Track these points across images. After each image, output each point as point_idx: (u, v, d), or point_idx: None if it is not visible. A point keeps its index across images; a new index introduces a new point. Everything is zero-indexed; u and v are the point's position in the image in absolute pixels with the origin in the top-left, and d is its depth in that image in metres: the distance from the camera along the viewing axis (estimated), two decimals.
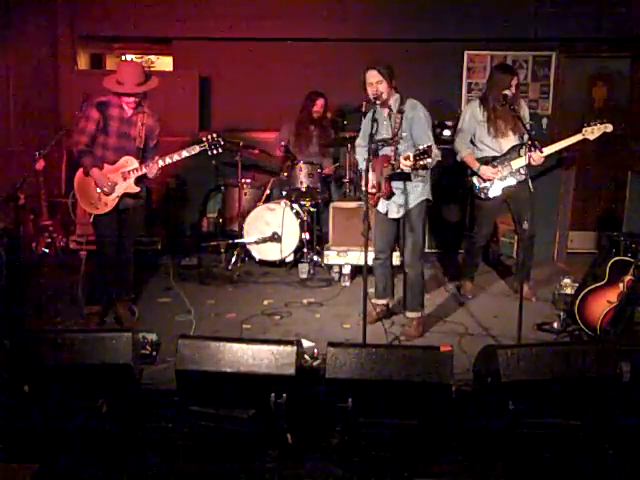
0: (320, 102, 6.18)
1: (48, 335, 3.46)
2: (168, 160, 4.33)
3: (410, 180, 4.19)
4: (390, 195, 4.26)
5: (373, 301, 4.64)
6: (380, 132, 4.22)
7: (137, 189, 4.39)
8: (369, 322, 4.34)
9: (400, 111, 4.16)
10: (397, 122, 4.16)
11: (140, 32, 6.91)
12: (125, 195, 4.38)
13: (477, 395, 3.40)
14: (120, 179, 4.33)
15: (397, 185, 4.23)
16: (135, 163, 4.33)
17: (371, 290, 4.60)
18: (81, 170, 4.37)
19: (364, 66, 4.16)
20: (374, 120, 4.06)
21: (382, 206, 4.37)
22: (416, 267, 4.35)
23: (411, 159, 3.87)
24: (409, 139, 4.17)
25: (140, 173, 4.33)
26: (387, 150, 4.23)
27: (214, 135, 4.42)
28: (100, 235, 4.45)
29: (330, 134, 6.33)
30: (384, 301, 4.70)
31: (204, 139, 4.41)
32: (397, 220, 4.39)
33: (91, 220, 4.41)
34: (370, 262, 4.54)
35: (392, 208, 4.32)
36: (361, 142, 4.51)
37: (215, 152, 4.45)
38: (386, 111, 4.23)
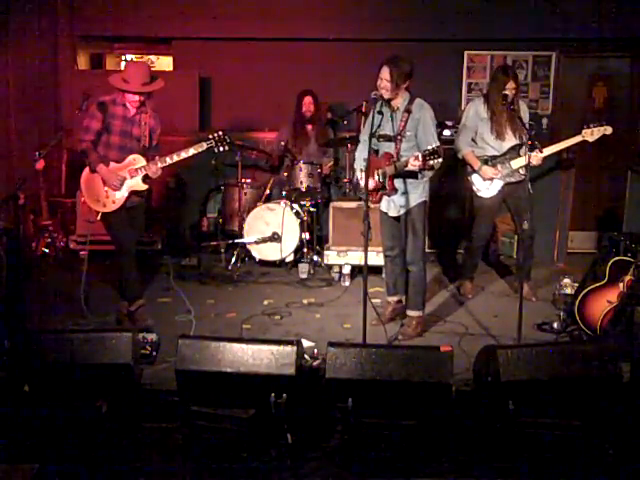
0: (307, 100, 6.14)
1: (48, 335, 3.46)
2: (176, 158, 4.31)
3: (416, 178, 4.17)
4: (393, 192, 4.23)
5: (386, 299, 4.62)
6: (384, 127, 4.18)
7: (145, 187, 4.39)
8: (382, 322, 4.32)
9: (408, 110, 4.12)
10: (403, 121, 4.13)
11: (140, 32, 6.91)
12: (132, 193, 4.38)
13: (477, 395, 3.40)
14: (128, 176, 4.33)
15: (399, 184, 4.20)
16: (142, 161, 4.33)
17: (373, 290, 4.61)
18: (87, 168, 4.36)
19: (385, 58, 4.09)
20: (379, 113, 4.04)
21: (384, 204, 4.35)
22: (419, 266, 4.32)
23: (420, 159, 3.86)
24: (413, 139, 4.14)
25: (146, 172, 4.33)
26: (389, 147, 4.20)
27: (220, 133, 4.41)
28: (116, 231, 4.40)
29: (328, 133, 6.30)
30: (395, 298, 4.58)
31: (210, 136, 4.40)
32: (398, 218, 4.37)
33: (98, 218, 4.38)
34: (378, 261, 4.52)
35: (392, 206, 4.30)
36: (364, 137, 4.44)
37: (222, 149, 4.44)
38: (392, 107, 4.19)
